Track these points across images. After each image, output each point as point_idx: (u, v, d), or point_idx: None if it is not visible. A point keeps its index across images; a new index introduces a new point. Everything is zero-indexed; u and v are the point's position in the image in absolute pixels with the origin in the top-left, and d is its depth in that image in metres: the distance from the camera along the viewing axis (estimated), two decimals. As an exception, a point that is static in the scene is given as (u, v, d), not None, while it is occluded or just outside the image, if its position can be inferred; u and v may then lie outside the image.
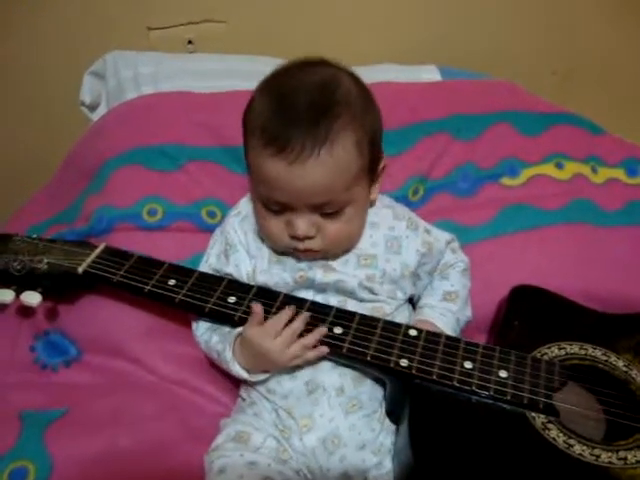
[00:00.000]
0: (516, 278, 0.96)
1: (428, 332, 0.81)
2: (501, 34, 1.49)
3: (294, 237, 0.81)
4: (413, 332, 0.81)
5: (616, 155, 1.17)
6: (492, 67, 1.40)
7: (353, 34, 1.31)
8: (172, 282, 0.86)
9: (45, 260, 0.89)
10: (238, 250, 0.89)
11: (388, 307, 0.86)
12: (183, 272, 0.88)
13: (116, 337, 0.92)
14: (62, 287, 0.92)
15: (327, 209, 0.80)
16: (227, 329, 0.85)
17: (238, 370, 0.81)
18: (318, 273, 0.84)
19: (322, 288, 0.85)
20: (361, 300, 0.85)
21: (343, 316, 0.82)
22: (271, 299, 0.83)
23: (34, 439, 0.81)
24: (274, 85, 0.81)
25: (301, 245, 0.82)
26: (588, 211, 1.08)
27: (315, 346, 0.79)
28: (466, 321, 0.90)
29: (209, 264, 0.91)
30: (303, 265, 0.85)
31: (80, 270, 0.88)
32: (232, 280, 0.87)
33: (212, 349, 0.86)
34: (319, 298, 0.85)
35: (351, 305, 0.85)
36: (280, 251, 0.86)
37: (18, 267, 0.87)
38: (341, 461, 0.77)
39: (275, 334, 0.78)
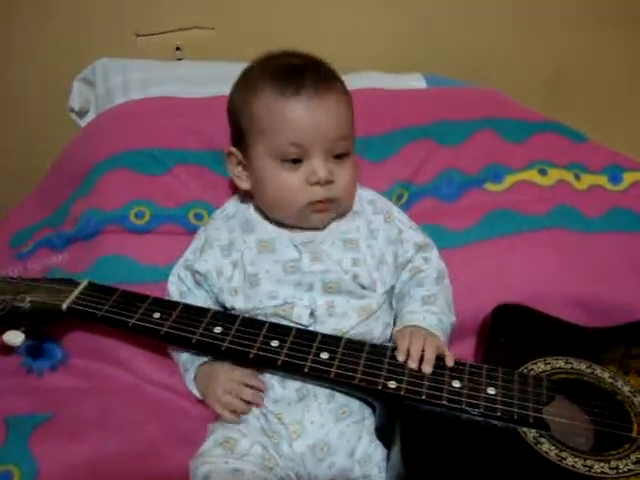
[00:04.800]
0: (499, 283, 0.97)
1: None
2: (488, 43, 1.49)
3: (316, 184, 0.85)
4: None
5: (599, 162, 1.18)
6: (479, 76, 1.41)
7: (339, 42, 1.31)
8: (157, 315, 0.85)
9: (28, 299, 0.88)
10: (212, 247, 0.90)
11: (375, 303, 0.87)
12: (167, 305, 0.87)
13: (102, 341, 0.92)
14: (46, 324, 0.91)
15: (340, 149, 0.86)
16: None
17: (195, 393, 0.87)
18: (306, 261, 0.86)
19: (309, 283, 0.86)
20: (349, 294, 0.86)
21: (329, 341, 0.82)
22: (256, 328, 0.83)
23: (19, 444, 0.80)
24: (264, 65, 0.89)
25: (323, 193, 0.85)
26: (571, 217, 1.08)
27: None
28: (451, 323, 0.90)
29: (185, 258, 0.93)
30: (293, 253, 0.87)
31: (64, 307, 0.87)
32: (217, 311, 0.87)
33: (179, 362, 0.89)
34: (306, 298, 0.85)
35: (340, 305, 0.85)
36: (288, 219, 0.89)
37: (0, 307, 0.86)
38: (330, 468, 0.78)
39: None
